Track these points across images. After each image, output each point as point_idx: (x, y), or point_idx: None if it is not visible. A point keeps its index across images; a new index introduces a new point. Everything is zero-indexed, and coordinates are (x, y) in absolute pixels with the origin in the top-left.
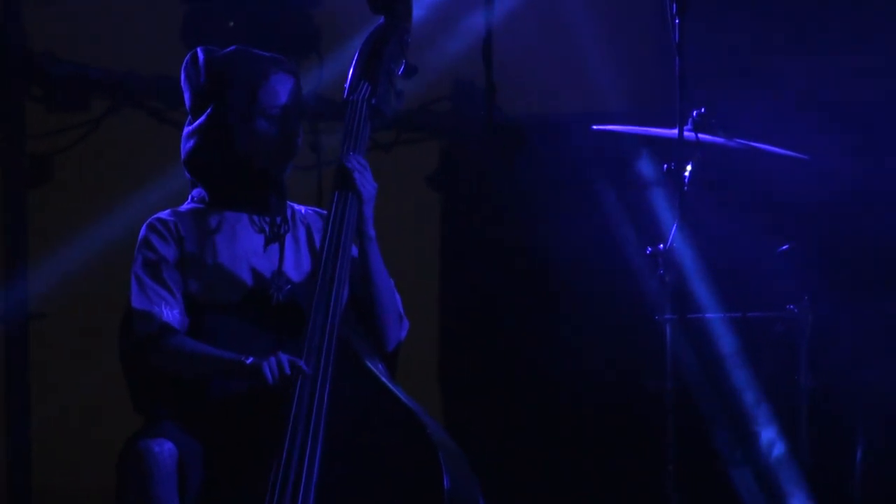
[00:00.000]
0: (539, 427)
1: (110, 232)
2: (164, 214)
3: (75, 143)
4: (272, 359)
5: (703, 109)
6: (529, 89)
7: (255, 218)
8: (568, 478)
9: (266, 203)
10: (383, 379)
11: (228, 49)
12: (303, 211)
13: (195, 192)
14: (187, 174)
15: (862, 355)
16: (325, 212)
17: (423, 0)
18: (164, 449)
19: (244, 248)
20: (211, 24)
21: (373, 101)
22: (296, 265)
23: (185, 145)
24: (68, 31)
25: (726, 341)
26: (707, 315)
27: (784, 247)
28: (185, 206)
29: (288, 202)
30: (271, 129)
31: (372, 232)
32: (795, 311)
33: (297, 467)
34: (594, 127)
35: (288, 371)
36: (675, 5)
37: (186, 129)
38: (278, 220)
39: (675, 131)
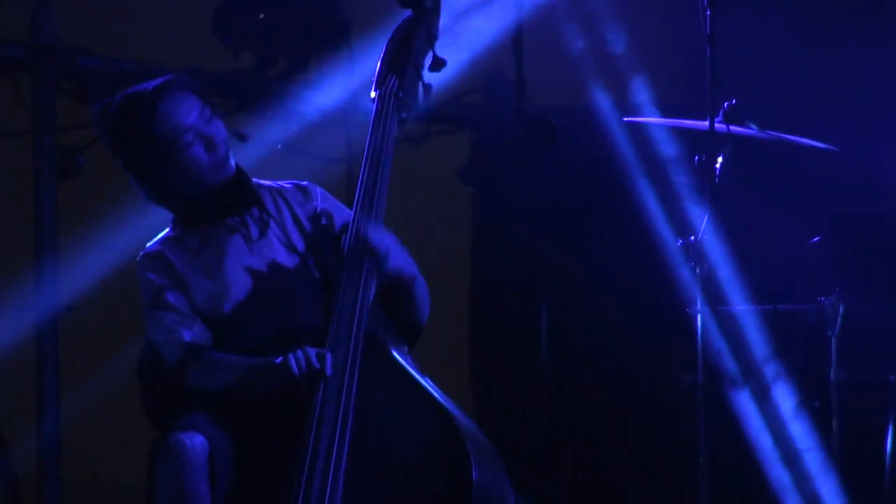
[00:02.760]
0: (569, 420)
1: (141, 225)
2: (149, 248)
3: None
4: (298, 352)
5: (734, 101)
6: (560, 81)
7: (232, 221)
8: (599, 471)
9: (235, 205)
10: (412, 371)
11: (116, 100)
12: (276, 186)
13: (169, 221)
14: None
15: (892, 346)
16: (304, 183)
17: None
18: (196, 442)
19: (233, 254)
20: (241, 17)
21: (400, 95)
22: (288, 252)
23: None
24: (99, 25)
25: (757, 333)
26: (738, 307)
27: (815, 238)
28: (168, 232)
29: (260, 183)
30: (193, 155)
31: (409, 271)
32: (826, 303)
33: (324, 459)
34: (625, 118)
35: (316, 363)
36: None
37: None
38: (255, 213)
39: (707, 123)
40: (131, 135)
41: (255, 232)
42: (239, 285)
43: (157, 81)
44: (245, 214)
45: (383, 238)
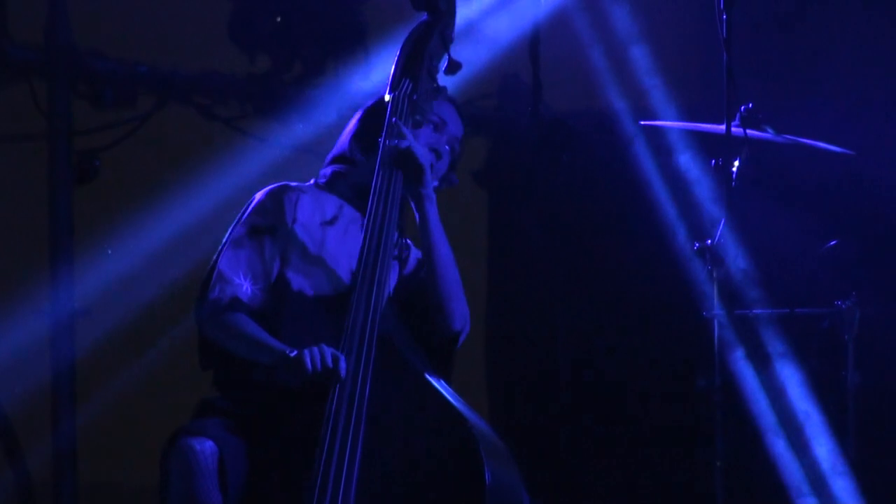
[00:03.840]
0: (587, 423)
1: (157, 228)
2: (291, 184)
3: (122, 139)
4: (314, 349)
5: (750, 105)
6: (576, 85)
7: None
8: (615, 473)
9: None
10: (425, 374)
11: None
12: (408, 241)
13: (328, 169)
14: (340, 147)
15: None
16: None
17: None
18: (206, 447)
19: (350, 248)
20: (258, 19)
21: (414, 98)
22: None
23: (363, 115)
24: (115, 28)
25: (773, 337)
26: (754, 311)
27: (832, 243)
28: (310, 183)
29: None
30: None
31: (433, 193)
32: (843, 307)
33: (337, 462)
34: (641, 122)
35: (330, 363)
36: (722, 1)
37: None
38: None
39: (723, 127)
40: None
41: None
42: (336, 278)
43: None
44: None
45: (423, 150)
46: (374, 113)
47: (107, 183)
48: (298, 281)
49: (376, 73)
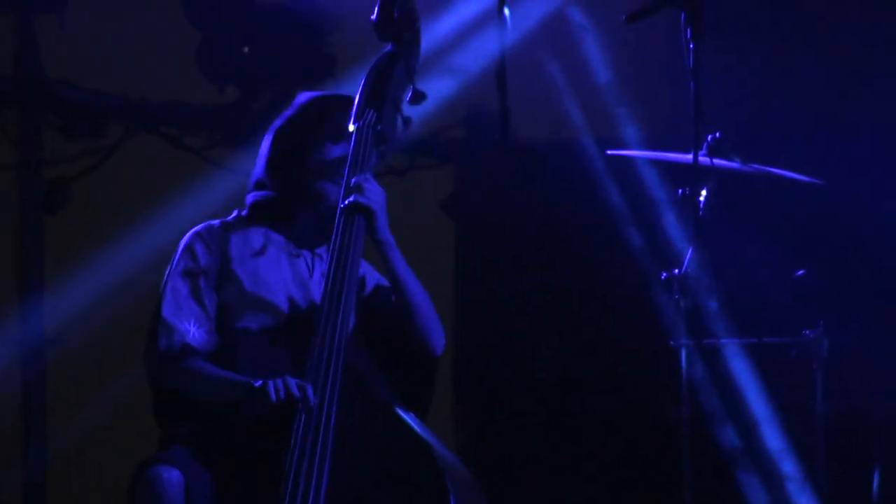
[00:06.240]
0: (553, 449)
1: (127, 257)
2: (214, 222)
3: (92, 168)
4: (278, 380)
5: (717, 134)
6: (543, 114)
7: (296, 247)
8: (582, 499)
9: (311, 231)
10: (391, 403)
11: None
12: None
13: (249, 197)
14: (258, 173)
15: (877, 379)
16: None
17: (436, 26)
18: (172, 476)
19: (285, 275)
20: (226, 51)
21: (378, 128)
22: None
23: (273, 140)
24: (84, 58)
25: (742, 367)
26: (723, 340)
27: (800, 272)
28: (232, 217)
29: None
30: (336, 153)
31: (390, 237)
32: (811, 336)
33: (303, 492)
34: (609, 152)
35: (296, 392)
36: (689, 30)
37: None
38: (320, 250)
39: (690, 156)
40: (306, 110)
41: (316, 267)
42: (275, 307)
43: None
44: (314, 250)
45: (377, 190)
46: (285, 136)
47: (77, 212)
48: (241, 318)
49: None
